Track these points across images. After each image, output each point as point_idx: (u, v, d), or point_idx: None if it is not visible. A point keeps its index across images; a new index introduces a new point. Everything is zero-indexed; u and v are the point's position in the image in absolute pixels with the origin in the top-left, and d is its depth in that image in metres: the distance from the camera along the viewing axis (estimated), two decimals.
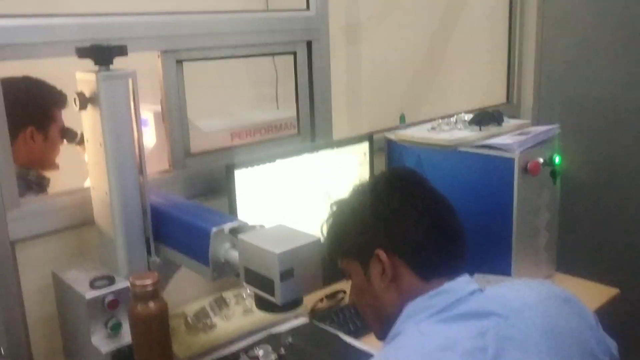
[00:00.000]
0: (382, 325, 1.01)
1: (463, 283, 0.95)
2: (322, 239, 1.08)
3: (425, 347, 0.83)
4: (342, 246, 1.05)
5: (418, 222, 0.96)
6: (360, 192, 1.05)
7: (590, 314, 0.97)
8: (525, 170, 1.62)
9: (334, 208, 1.09)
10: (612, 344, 0.96)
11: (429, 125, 1.91)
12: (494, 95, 2.66)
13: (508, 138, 1.69)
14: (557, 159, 1.68)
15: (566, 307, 0.94)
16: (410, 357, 0.83)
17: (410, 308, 0.93)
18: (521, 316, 0.88)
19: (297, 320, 1.54)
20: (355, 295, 1.05)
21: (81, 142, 1.82)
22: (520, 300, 0.92)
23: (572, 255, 1.99)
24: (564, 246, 1.87)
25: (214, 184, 1.66)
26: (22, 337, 1.39)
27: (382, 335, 1.00)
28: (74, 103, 1.24)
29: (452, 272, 0.96)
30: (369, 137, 1.88)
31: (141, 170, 1.27)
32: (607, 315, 1.65)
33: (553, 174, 1.70)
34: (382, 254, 0.96)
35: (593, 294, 1.70)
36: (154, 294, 1.13)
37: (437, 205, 1.00)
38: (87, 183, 1.39)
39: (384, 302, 0.99)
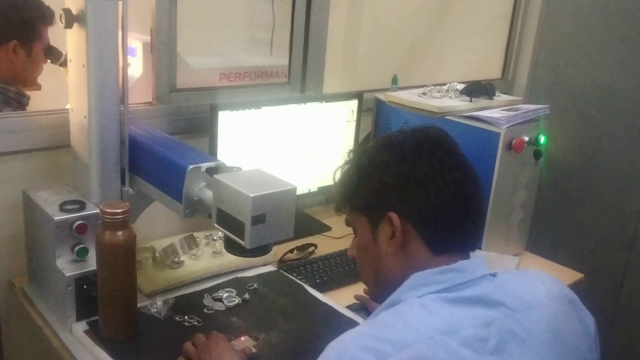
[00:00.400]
0: (379, 287, 0.97)
1: (477, 264, 0.89)
2: (333, 184, 1.03)
3: (424, 326, 0.79)
4: (353, 199, 0.98)
5: (440, 193, 0.89)
6: (384, 146, 0.95)
7: (591, 321, 0.95)
8: (509, 146, 1.62)
9: (352, 156, 1.02)
10: (598, 353, 0.95)
11: (420, 91, 1.89)
12: (489, 69, 2.64)
13: (497, 112, 1.69)
14: (542, 139, 1.68)
15: (571, 310, 0.92)
16: (407, 332, 0.78)
17: (416, 279, 0.88)
18: (529, 312, 0.85)
19: (265, 267, 1.54)
20: (357, 251, 1.00)
21: (65, 63, 1.78)
22: (530, 295, 0.88)
23: (541, 236, 2.02)
24: (535, 226, 1.89)
25: (196, 122, 1.64)
26: None
27: (376, 297, 0.96)
28: (59, 19, 1.19)
29: (464, 249, 0.92)
30: (359, 95, 1.86)
31: (123, 98, 1.24)
32: None
33: (536, 154, 1.70)
34: (394, 218, 0.90)
35: (558, 276, 1.69)
36: (124, 224, 1.12)
37: (464, 178, 0.91)
38: (68, 106, 1.36)
39: (387, 267, 0.93)
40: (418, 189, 0.89)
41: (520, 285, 0.90)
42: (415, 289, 0.87)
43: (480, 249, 0.94)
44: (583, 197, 2.45)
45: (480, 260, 0.91)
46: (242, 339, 1.22)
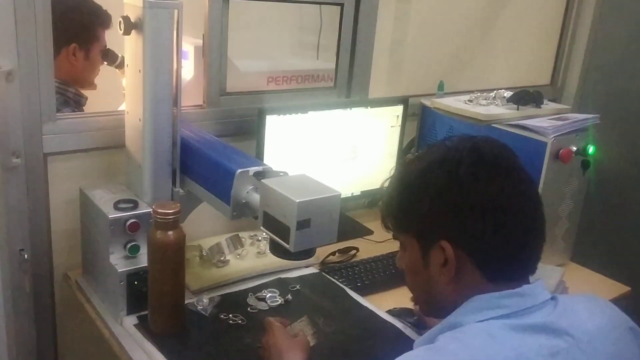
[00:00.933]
0: (431, 308, 0.95)
1: (539, 288, 0.86)
2: (381, 197, 0.99)
3: (492, 354, 0.76)
4: (402, 221, 0.93)
5: (500, 226, 0.82)
6: (438, 167, 0.87)
7: None
8: (556, 156, 1.60)
9: (401, 169, 0.94)
10: None
11: (466, 97, 1.88)
12: (538, 75, 2.60)
13: (544, 121, 1.67)
14: (590, 150, 1.66)
15: (629, 338, 0.89)
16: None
17: (477, 302, 0.83)
18: (593, 343, 0.82)
19: (308, 269, 1.57)
20: (406, 270, 0.95)
21: (121, 65, 1.86)
22: (593, 324, 0.85)
23: (588, 247, 1.98)
24: (581, 237, 1.86)
25: (244, 125, 1.67)
26: (45, 246, 1.46)
27: (428, 313, 0.94)
28: (118, 27, 1.25)
29: (522, 277, 0.87)
30: (404, 101, 1.86)
31: (176, 101, 1.29)
32: None
33: (584, 164, 1.67)
34: (447, 247, 0.84)
35: (603, 289, 1.69)
36: (174, 223, 1.17)
37: (527, 202, 0.84)
38: (122, 107, 1.42)
39: (439, 291, 0.89)
40: (474, 219, 0.83)
41: (583, 312, 0.86)
42: (477, 312, 0.83)
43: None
44: (631, 209, 2.39)
45: (541, 284, 0.87)
46: (302, 321, 1.24)
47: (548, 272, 1.61)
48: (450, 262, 0.85)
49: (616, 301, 1.67)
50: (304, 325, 1.24)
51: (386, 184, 0.97)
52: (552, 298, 0.86)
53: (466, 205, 0.83)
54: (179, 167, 1.32)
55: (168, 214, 1.15)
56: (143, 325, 1.25)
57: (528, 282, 0.88)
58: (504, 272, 0.85)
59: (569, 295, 0.91)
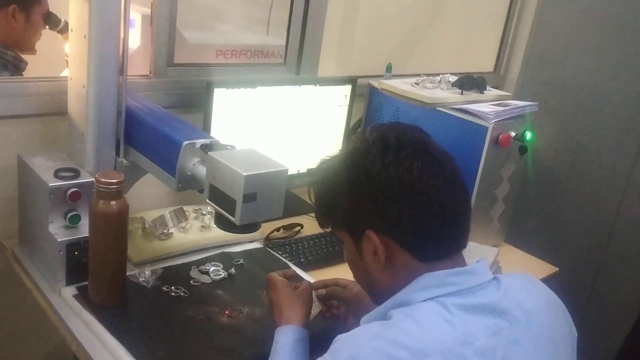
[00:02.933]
0: (375, 295, 0.97)
1: (484, 268, 0.89)
2: (311, 200, 1.01)
3: (443, 335, 0.79)
4: (331, 218, 0.96)
5: (414, 205, 0.84)
6: (350, 161, 0.90)
7: (573, 327, 0.97)
8: (496, 141, 1.66)
9: (323, 167, 0.97)
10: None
11: (413, 80, 1.92)
12: (482, 62, 2.67)
13: (486, 107, 1.72)
14: (528, 136, 1.73)
15: (562, 315, 0.95)
16: (425, 339, 0.77)
17: (428, 279, 0.86)
18: (531, 321, 0.87)
19: (252, 244, 1.58)
20: (348, 262, 0.99)
21: (64, 30, 1.79)
22: (531, 304, 0.89)
23: (521, 229, 2.07)
24: (516, 219, 1.94)
25: (191, 98, 1.65)
26: None
27: (376, 301, 0.95)
28: None
29: (453, 252, 0.89)
30: (353, 80, 1.88)
31: (122, 69, 1.26)
32: None
33: (521, 149, 1.74)
34: (373, 236, 0.87)
35: (534, 269, 1.78)
36: (117, 194, 1.15)
37: (439, 180, 0.86)
38: (64, 73, 1.37)
39: (378, 280, 0.92)
40: (390, 205, 0.85)
41: (522, 293, 0.90)
42: (426, 289, 0.85)
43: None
44: (563, 194, 2.51)
45: (485, 263, 0.91)
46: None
47: (483, 253, 1.68)
48: (378, 249, 0.88)
49: (545, 280, 1.78)
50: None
51: (312, 190, 1.00)
52: (494, 278, 0.90)
53: (379, 193, 0.86)
54: (123, 137, 1.30)
55: (111, 184, 1.13)
56: (82, 296, 1.23)
57: (462, 259, 0.92)
58: (432, 251, 0.88)
59: (506, 274, 0.94)
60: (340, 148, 1.00)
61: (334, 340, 0.82)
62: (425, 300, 0.84)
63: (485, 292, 0.86)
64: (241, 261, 1.48)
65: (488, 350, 0.81)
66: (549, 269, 1.81)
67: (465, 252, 0.94)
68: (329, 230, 1.00)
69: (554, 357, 0.89)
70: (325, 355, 0.80)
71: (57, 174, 1.25)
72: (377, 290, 0.94)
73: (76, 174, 1.27)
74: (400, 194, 0.85)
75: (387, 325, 0.81)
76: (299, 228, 1.72)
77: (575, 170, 2.47)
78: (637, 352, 2.01)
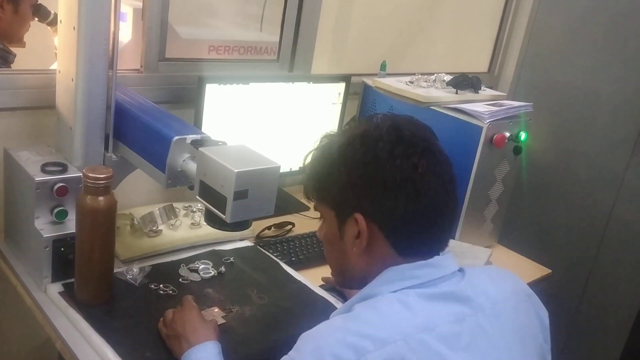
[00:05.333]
0: (344, 278, 0.97)
1: (449, 260, 0.90)
2: (303, 169, 1.00)
3: (403, 322, 0.80)
4: (321, 192, 0.95)
5: (411, 201, 0.85)
6: (358, 143, 0.89)
7: (546, 314, 0.98)
8: (490, 141, 1.65)
9: (324, 142, 0.96)
10: (549, 344, 0.98)
11: (407, 79, 1.91)
12: (477, 62, 2.66)
13: (481, 106, 1.71)
14: (522, 136, 1.72)
15: (530, 304, 0.95)
16: (386, 328, 0.79)
17: (391, 273, 0.87)
18: (496, 308, 0.88)
19: (242, 242, 1.56)
20: (323, 240, 0.99)
21: (53, 22, 1.77)
22: (496, 292, 0.90)
23: (514, 231, 2.06)
24: (509, 220, 1.93)
25: (183, 93, 1.63)
26: None
27: (341, 284, 0.97)
28: None
29: (431, 253, 0.90)
30: (347, 78, 1.87)
31: (112, 63, 1.24)
32: (536, 292, 1.74)
33: (516, 150, 1.73)
34: (360, 220, 0.88)
35: (527, 271, 1.77)
36: (105, 189, 1.12)
37: (438, 183, 0.87)
38: (54, 67, 1.35)
39: (352, 263, 0.93)
40: (387, 194, 0.86)
41: (487, 281, 0.92)
42: (390, 283, 0.87)
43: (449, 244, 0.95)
44: (557, 195, 2.50)
45: (451, 256, 0.92)
46: (216, 310, 1.24)
47: (476, 253, 1.67)
48: (362, 234, 0.89)
49: (538, 283, 1.77)
50: (216, 314, 1.23)
51: (309, 157, 0.99)
52: (460, 270, 0.91)
53: (381, 180, 0.86)
54: (112, 132, 1.27)
55: (99, 179, 1.11)
56: (68, 294, 1.21)
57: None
58: (414, 247, 0.89)
59: (474, 267, 0.97)
60: (337, 131, 0.99)
61: (299, 337, 0.82)
62: (388, 293, 0.86)
63: (449, 282, 0.88)
64: (231, 259, 1.45)
65: (452, 336, 0.81)
66: (542, 270, 1.80)
67: (458, 254, 0.94)
68: (312, 201, 1.00)
69: (521, 345, 0.89)
70: (290, 352, 0.81)
71: (44, 169, 1.23)
72: (348, 275, 0.95)
73: (63, 168, 1.24)
74: (401, 187, 0.86)
75: (349, 318, 0.83)
76: (290, 227, 1.70)
77: (569, 172, 2.47)
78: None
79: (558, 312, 2.47)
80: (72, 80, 1.22)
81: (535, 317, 0.95)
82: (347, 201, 0.90)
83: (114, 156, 1.29)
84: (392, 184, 0.86)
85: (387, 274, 0.88)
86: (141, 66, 1.59)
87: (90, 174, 1.11)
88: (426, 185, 0.86)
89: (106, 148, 1.29)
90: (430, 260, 0.88)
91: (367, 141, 0.89)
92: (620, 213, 2.34)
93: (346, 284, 0.94)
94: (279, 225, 1.68)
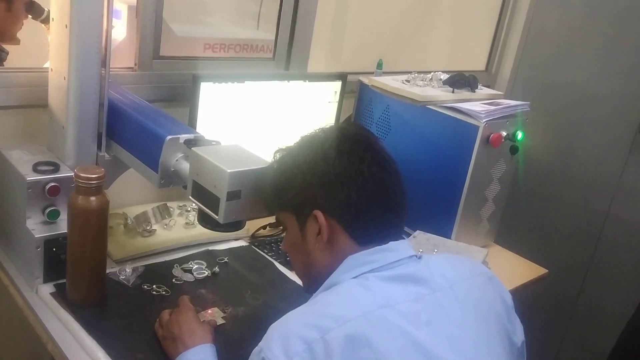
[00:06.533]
0: (311, 280, 1.01)
1: (404, 245, 0.96)
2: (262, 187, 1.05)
3: (363, 301, 0.84)
4: (281, 199, 1.01)
5: (361, 190, 0.93)
6: (308, 147, 0.99)
7: (508, 295, 1.00)
8: (487, 140, 1.64)
9: (278, 157, 1.04)
10: (520, 327, 1.00)
11: (404, 77, 1.89)
12: (474, 61, 2.65)
13: (478, 105, 1.70)
14: (519, 136, 1.71)
15: (490, 285, 0.98)
16: (347, 307, 0.83)
17: (351, 261, 0.92)
18: (454, 288, 0.91)
19: (237, 242, 1.55)
20: (288, 247, 1.04)
21: (47, 19, 1.75)
22: (454, 273, 0.94)
23: (511, 230, 2.06)
24: (506, 220, 1.92)
25: (177, 92, 1.62)
26: None
27: (309, 289, 1.00)
28: None
29: (387, 239, 0.95)
30: (343, 77, 1.85)
31: (105, 61, 1.22)
32: (533, 293, 1.74)
33: (512, 149, 1.72)
34: (320, 216, 0.94)
35: (524, 271, 1.76)
36: (97, 189, 1.11)
37: (384, 173, 0.95)
38: (47, 65, 1.33)
39: (316, 261, 0.97)
40: (340, 187, 0.93)
41: (444, 264, 0.96)
42: (350, 270, 0.91)
43: (404, 237, 0.99)
44: (554, 195, 2.50)
45: (406, 242, 0.98)
46: (210, 311, 1.23)
47: (472, 253, 1.66)
48: (323, 229, 0.94)
49: (535, 282, 1.77)
50: (214, 314, 1.22)
51: (266, 175, 1.05)
52: (416, 255, 0.96)
53: (332, 175, 0.94)
54: (105, 131, 1.26)
55: (91, 179, 1.09)
56: (60, 294, 1.19)
57: None
58: (371, 234, 0.94)
59: (437, 255, 0.98)
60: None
61: (269, 328, 0.85)
62: (349, 280, 0.90)
63: (406, 265, 0.92)
64: (225, 259, 1.44)
65: (411, 314, 0.85)
66: (538, 270, 1.79)
67: (454, 253, 0.94)
68: (274, 214, 1.06)
69: (484, 323, 0.91)
70: (260, 343, 0.83)
71: (35, 168, 1.21)
72: (314, 274, 0.98)
73: (55, 168, 1.23)
74: (351, 179, 0.93)
75: (312, 303, 0.89)
76: None
77: (566, 172, 2.46)
78: (630, 351, 2.01)
79: (554, 312, 2.48)
80: (65, 78, 1.21)
81: (497, 298, 0.97)
82: (306, 202, 0.96)
83: (107, 155, 1.28)
84: (343, 177, 0.93)
85: (347, 263, 0.93)
86: (135, 64, 1.57)
87: (82, 174, 1.10)
88: (374, 175, 0.94)
89: (99, 147, 1.28)
90: (385, 245, 0.93)
91: (316, 143, 0.98)
92: (617, 213, 2.34)
93: (313, 285, 0.97)
94: (273, 225, 1.66)
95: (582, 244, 2.43)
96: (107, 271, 1.23)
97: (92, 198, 1.11)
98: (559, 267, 2.16)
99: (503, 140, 1.67)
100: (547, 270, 1.79)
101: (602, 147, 2.36)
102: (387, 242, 0.94)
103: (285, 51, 1.89)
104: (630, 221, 2.30)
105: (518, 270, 1.76)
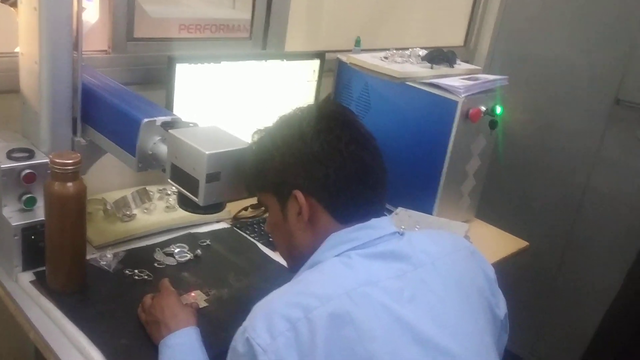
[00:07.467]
0: (294, 259, 1.01)
1: (386, 222, 0.95)
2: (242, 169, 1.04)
3: (346, 279, 0.84)
4: (260, 180, 1.01)
5: (340, 168, 0.92)
6: (285, 127, 0.98)
7: (490, 268, 1.01)
8: (466, 115, 1.64)
9: (256, 138, 1.03)
10: (503, 300, 1.01)
11: (382, 54, 1.88)
12: (452, 36, 2.64)
13: (456, 81, 1.70)
14: (498, 110, 1.71)
15: (472, 259, 0.99)
16: (330, 285, 0.83)
17: (333, 239, 0.92)
18: (437, 264, 0.92)
19: (218, 224, 1.54)
20: (270, 228, 1.03)
21: (16, 3, 1.70)
22: (436, 249, 0.95)
23: (491, 205, 2.08)
24: (486, 195, 1.93)
25: (153, 74, 1.59)
26: None
27: (292, 269, 1.00)
28: None
29: (368, 216, 0.95)
30: (321, 55, 1.84)
31: (77, 44, 1.20)
32: (514, 265, 1.76)
33: (491, 124, 1.73)
34: (299, 196, 0.93)
35: (505, 244, 1.78)
36: (74, 175, 1.10)
37: (363, 150, 0.94)
38: (18, 49, 1.30)
39: (299, 241, 0.97)
40: (319, 166, 0.92)
41: (426, 240, 0.97)
42: (332, 248, 0.91)
43: (385, 214, 0.99)
44: (533, 168, 2.52)
45: (388, 219, 0.97)
46: (193, 294, 1.22)
47: (454, 228, 1.68)
48: (303, 208, 0.94)
49: (516, 255, 1.78)
50: (197, 297, 1.22)
51: (242, 159, 1.04)
52: (397, 232, 0.95)
53: (311, 153, 0.93)
54: (80, 115, 1.24)
55: (67, 164, 1.08)
56: (40, 282, 1.18)
57: None
58: (351, 212, 0.94)
59: (419, 231, 1.04)
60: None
61: (252, 308, 0.84)
62: (332, 258, 0.90)
63: (388, 242, 0.92)
64: (208, 242, 1.44)
65: (395, 290, 0.85)
66: (519, 243, 1.81)
67: (435, 228, 0.94)
68: (255, 196, 1.05)
69: (467, 297, 0.92)
70: (243, 323, 0.82)
71: (10, 155, 1.19)
72: (297, 254, 0.98)
73: (30, 154, 1.21)
74: (329, 157, 0.92)
75: (295, 282, 0.89)
76: None
77: (544, 145, 2.48)
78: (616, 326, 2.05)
79: (536, 283, 2.52)
80: (36, 63, 1.18)
81: (479, 272, 0.98)
82: (285, 182, 0.95)
83: (82, 140, 1.26)
84: (321, 156, 0.92)
85: (329, 241, 0.92)
86: (109, 47, 1.55)
87: (57, 160, 1.08)
88: (352, 153, 0.93)
89: (74, 132, 1.26)
90: (367, 223, 0.93)
91: (293, 123, 0.97)
92: (596, 184, 2.36)
93: (297, 265, 0.97)
94: (255, 206, 1.66)
95: (562, 216, 2.46)
96: (88, 257, 1.22)
97: (69, 184, 1.09)
98: (540, 239, 2.18)
99: (482, 115, 1.67)
100: (527, 243, 1.81)
101: (580, 119, 2.38)
102: (369, 220, 0.94)
103: (262, 30, 1.87)
104: (608, 192, 2.33)
105: (499, 243, 1.78)
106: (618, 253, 2.12)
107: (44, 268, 1.18)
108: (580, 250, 2.44)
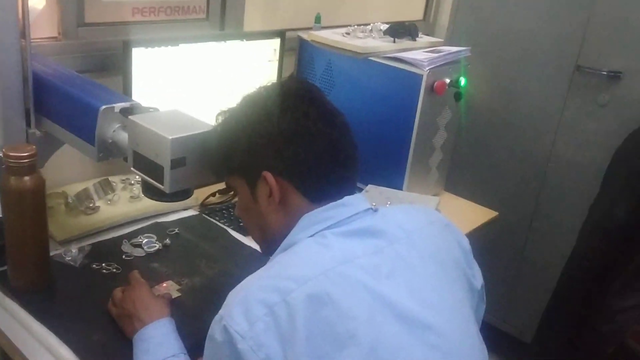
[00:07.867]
0: (267, 242, 0.99)
1: (359, 199, 0.94)
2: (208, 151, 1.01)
3: (322, 259, 0.83)
4: (227, 163, 0.98)
5: (309, 146, 0.90)
6: (250, 106, 0.95)
7: (465, 240, 1.01)
8: (431, 88, 1.63)
9: (221, 119, 1.00)
10: (478, 271, 1.01)
11: (344, 30, 1.86)
12: (411, 10, 2.63)
13: (419, 54, 1.69)
14: (462, 82, 1.71)
15: (446, 232, 0.99)
16: (306, 267, 0.82)
17: (306, 220, 0.90)
18: (412, 238, 0.91)
19: (186, 212, 1.51)
20: (241, 211, 1.01)
21: None
22: (411, 223, 0.94)
23: (460, 177, 2.08)
24: (454, 167, 1.94)
25: (108, 60, 1.53)
26: None
27: (267, 253, 0.98)
28: None
29: (340, 194, 0.93)
30: (281, 34, 1.80)
31: (24, 32, 1.14)
32: (485, 235, 1.77)
33: (457, 96, 1.72)
34: (269, 177, 0.91)
35: (475, 215, 1.79)
36: (30, 168, 1.05)
37: (332, 127, 0.92)
38: None
39: (271, 223, 0.95)
40: (287, 146, 0.90)
41: (401, 215, 0.96)
42: (306, 229, 0.89)
43: (359, 191, 0.96)
44: (499, 138, 2.54)
45: (361, 195, 0.96)
46: (164, 284, 1.19)
47: (424, 202, 1.68)
48: (273, 190, 0.91)
49: (486, 225, 1.80)
50: (169, 287, 1.19)
51: (208, 142, 1.00)
52: (371, 208, 0.94)
53: (278, 133, 0.90)
54: (32, 106, 1.18)
55: (22, 158, 1.03)
56: (3, 282, 1.13)
57: None
58: (323, 191, 0.92)
59: (393, 206, 1.04)
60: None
61: (228, 295, 0.83)
62: (306, 239, 0.88)
63: (362, 219, 0.91)
64: (176, 230, 1.40)
65: (372, 267, 0.84)
66: (489, 213, 1.82)
67: (406, 203, 0.93)
68: (223, 180, 1.03)
69: (443, 270, 0.92)
70: (220, 311, 0.81)
71: None
72: (270, 237, 0.96)
73: None
74: (297, 135, 0.90)
75: (270, 266, 0.87)
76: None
77: (508, 114, 2.49)
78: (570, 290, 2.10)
79: (506, 252, 2.55)
80: None
81: (455, 244, 0.98)
82: (254, 163, 0.93)
83: (37, 132, 1.21)
84: (289, 135, 0.90)
85: (302, 222, 0.90)
86: (59, 33, 1.48)
87: (11, 153, 1.03)
88: (320, 130, 0.91)
89: (28, 124, 1.20)
90: (340, 201, 0.91)
91: (258, 102, 0.94)
92: (560, 150, 2.39)
93: (271, 248, 0.95)
94: (223, 191, 1.62)
95: (529, 185, 2.49)
96: (52, 253, 1.18)
97: (26, 178, 1.04)
98: (508, 208, 2.21)
99: (447, 87, 1.66)
100: (497, 213, 1.83)
101: (542, 86, 2.40)
102: (342, 198, 0.92)
103: (219, 10, 1.82)
104: (572, 159, 2.36)
105: (469, 215, 1.79)
106: (583, 217, 2.15)
107: (5, 267, 1.13)
108: (547, 215, 2.48)
